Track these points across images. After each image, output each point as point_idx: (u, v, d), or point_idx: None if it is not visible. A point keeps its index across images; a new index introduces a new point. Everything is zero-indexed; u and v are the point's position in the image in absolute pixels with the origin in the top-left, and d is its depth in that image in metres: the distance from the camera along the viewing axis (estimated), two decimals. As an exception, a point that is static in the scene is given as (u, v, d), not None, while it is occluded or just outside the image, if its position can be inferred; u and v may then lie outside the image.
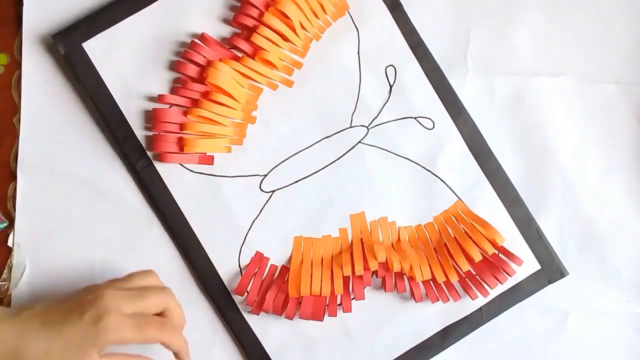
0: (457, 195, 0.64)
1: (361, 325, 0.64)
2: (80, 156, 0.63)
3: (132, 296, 0.53)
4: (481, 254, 0.62)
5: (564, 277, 0.64)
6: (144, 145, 0.63)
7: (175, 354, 0.56)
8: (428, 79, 0.64)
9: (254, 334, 0.63)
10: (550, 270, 0.64)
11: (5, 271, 0.62)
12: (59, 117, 0.63)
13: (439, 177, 0.65)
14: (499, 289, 0.64)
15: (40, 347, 0.50)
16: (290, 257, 0.64)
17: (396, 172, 0.64)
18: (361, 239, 0.64)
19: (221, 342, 0.64)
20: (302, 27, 0.62)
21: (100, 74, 0.63)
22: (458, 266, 0.62)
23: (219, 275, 0.63)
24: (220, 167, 0.64)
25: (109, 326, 0.51)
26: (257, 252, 0.64)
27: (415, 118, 0.65)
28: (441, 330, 0.64)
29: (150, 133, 0.63)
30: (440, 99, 0.64)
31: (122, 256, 0.63)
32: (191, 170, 0.64)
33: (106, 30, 0.63)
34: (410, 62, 0.64)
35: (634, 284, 0.65)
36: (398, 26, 0.65)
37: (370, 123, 0.64)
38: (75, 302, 0.53)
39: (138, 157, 0.63)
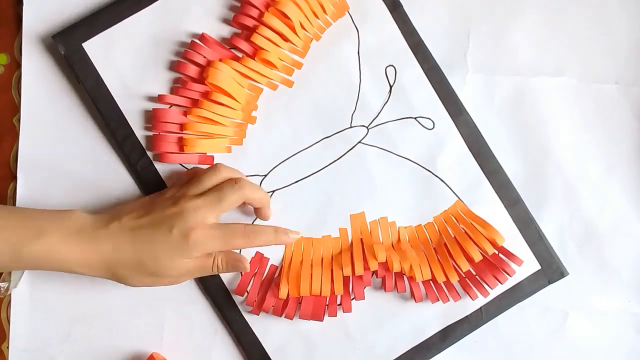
0: (457, 195, 0.64)
1: (361, 325, 0.64)
2: (80, 156, 0.63)
3: (211, 204, 0.57)
4: (481, 254, 0.62)
5: (564, 277, 0.64)
6: (144, 145, 0.63)
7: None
8: (428, 79, 0.64)
9: (254, 334, 0.63)
10: (550, 270, 0.64)
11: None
12: (59, 117, 0.64)
13: (439, 177, 0.65)
14: (499, 289, 0.64)
15: (134, 257, 0.56)
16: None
17: (396, 172, 0.64)
18: (361, 239, 0.64)
19: (221, 342, 0.64)
20: (302, 27, 0.62)
21: (101, 74, 0.63)
22: (458, 266, 0.62)
23: (219, 275, 0.63)
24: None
25: (197, 241, 0.56)
26: (257, 252, 0.64)
27: (415, 118, 0.65)
28: (441, 330, 0.64)
29: (151, 133, 0.63)
30: (440, 99, 0.64)
31: (122, 256, 0.63)
32: (191, 170, 0.64)
33: (106, 31, 0.63)
34: (410, 62, 0.64)
35: (634, 284, 0.65)
36: (398, 26, 0.65)
37: (370, 123, 0.65)
38: (160, 215, 0.56)
39: (138, 157, 0.63)
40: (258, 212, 0.62)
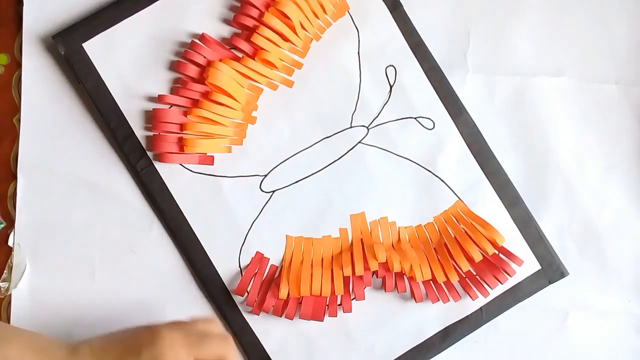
0: (457, 195, 0.64)
1: (361, 325, 0.64)
2: (80, 156, 0.63)
3: (190, 343, 0.52)
4: (481, 254, 0.62)
5: (564, 277, 0.64)
6: (144, 145, 0.63)
7: None
8: (428, 79, 0.64)
9: (254, 334, 0.63)
10: (551, 270, 0.64)
11: (5, 271, 0.62)
12: (59, 117, 0.64)
13: (439, 177, 0.65)
14: (499, 289, 0.63)
15: None
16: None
17: (396, 172, 0.64)
18: (361, 239, 0.64)
19: (221, 342, 0.64)
20: (302, 27, 0.62)
21: (101, 74, 0.63)
22: (458, 266, 0.62)
23: (219, 275, 0.63)
24: (220, 167, 0.64)
25: None
26: (257, 252, 0.64)
27: (415, 118, 0.65)
28: (441, 330, 0.64)
29: (151, 133, 0.63)
30: (440, 99, 0.64)
31: (122, 256, 0.63)
32: (191, 171, 0.64)
33: (106, 31, 0.63)
34: (410, 62, 0.64)
35: (634, 284, 0.65)
36: (398, 26, 0.65)
37: (371, 123, 0.65)
38: (133, 341, 0.52)
39: (138, 157, 0.63)
40: None
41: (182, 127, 0.62)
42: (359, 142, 0.64)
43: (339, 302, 0.63)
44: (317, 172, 0.64)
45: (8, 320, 0.63)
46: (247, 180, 0.64)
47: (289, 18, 0.61)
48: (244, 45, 0.62)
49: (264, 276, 0.64)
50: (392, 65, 0.65)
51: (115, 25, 0.63)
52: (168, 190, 0.63)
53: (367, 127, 0.64)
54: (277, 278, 0.63)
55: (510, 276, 0.62)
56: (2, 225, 0.63)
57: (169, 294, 0.64)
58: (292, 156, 0.64)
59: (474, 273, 0.63)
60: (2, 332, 0.53)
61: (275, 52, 0.62)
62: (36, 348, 0.52)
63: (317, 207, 0.64)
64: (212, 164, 0.64)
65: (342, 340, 0.64)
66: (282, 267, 0.64)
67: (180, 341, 0.52)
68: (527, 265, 0.64)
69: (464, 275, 0.63)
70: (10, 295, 0.63)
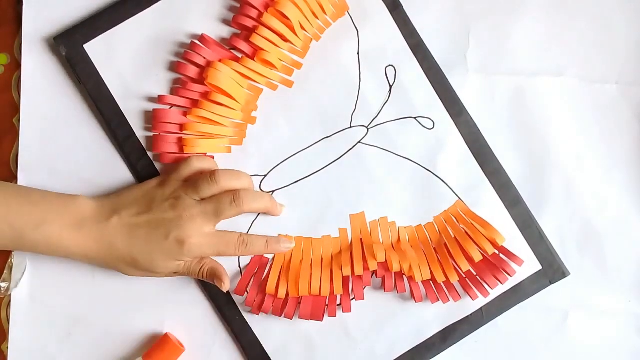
0: (457, 195, 0.64)
1: (361, 325, 0.64)
2: (80, 156, 0.64)
3: (208, 216, 0.58)
4: (481, 254, 0.62)
5: (565, 277, 0.64)
6: (144, 145, 0.63)
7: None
8: (428, 79, 0.64)
9: (254, 334, 0.63)
10: (552, 270, 0.64)
11: (5, 271, 0.62)
12: (59, 117, 0.64)
13: (439, 177, 0.64)
14: (500, 289, 0.63)
15: (129, 254, 0.59)
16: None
17: (396, 172, 0.64)
18: (361, 239, 0.64)
19: (221, 342, 0.64)
20: (302, 28, 0.62)
21: (102, 75, 0.63)
22: (458, 266, 0.62)
23: (219, 275, 0.63)
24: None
25: (191, 249, 0.58)
26: (257, 252, 0.64)
27: (415, 118, 0.65)
28: (441, 331, 0.64)
29: (151, 134, 0.63)
30: (440, 99, 0.64)
31: (122, 256, 0.63)
32: (191, 171, 0.64)
33: (107, 32, 0.63)
34: (410, 62, 0.64)
35: (634, 284, 0.65)
36: (398, 26, 0.65)
37: (370, 123, 0.65)
38: (159, 217, 0.58)
39: (139, 158, 0.63)
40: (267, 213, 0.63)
41: (182, 127, 0.62)
42: (359, 142, 0.64)
43: (338, 302, 0.63)
44: (317, 172, 0.64)
45: (8, 321, 0.63)
46: (247, 181, 0.64)
47: (288, 18, 0.61)
48: (243, 45, 0.62)
49: (264, 276, 0.63)
50: (392, 65, 0.65)
51: (116, 27, 0.63)
52: (168, 190, 0.63)
53: (366, 127, 0.64)
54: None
55: (511, 276, 0.62)
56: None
57: (169, 294, 0.64)
58: (292, 156, 0.64)
59: (474, 273, 0.63)
60: (38, 209, 0.58)
61: (274, 52, 0.62)
62: (76, 222, 0.58)
63: (317, 207, 0.64)
64: (212, 164, 0.64)
65: (342, 340, 0.64)
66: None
67: (200, 217, 0.58)
68: (528, 265, 0.63)
69: (464, 275, 0.63)
70: (10, 295, 0.63)
